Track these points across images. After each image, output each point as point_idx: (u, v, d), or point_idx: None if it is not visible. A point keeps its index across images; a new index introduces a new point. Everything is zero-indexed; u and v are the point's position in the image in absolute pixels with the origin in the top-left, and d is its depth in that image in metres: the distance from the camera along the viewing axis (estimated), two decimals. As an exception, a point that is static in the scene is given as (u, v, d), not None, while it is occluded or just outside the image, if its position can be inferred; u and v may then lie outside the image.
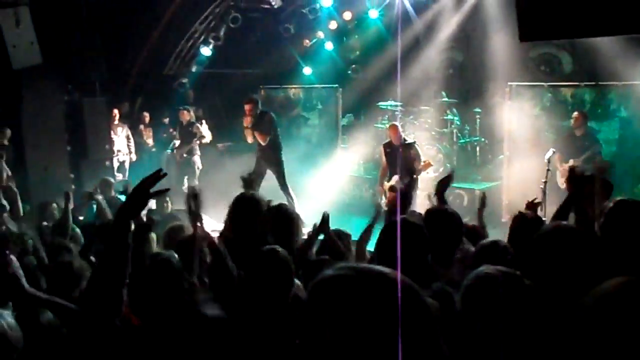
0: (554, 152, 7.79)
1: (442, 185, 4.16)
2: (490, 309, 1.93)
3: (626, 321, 1.42)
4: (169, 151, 11.60)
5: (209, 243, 3.15)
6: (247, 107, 8.86)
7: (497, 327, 1.90)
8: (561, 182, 7.68)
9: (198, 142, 11.09)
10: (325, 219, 3.96)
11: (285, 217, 3.67)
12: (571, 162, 7.57)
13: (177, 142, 11.32)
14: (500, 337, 1.89)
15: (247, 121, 8.88)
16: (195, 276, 3.08)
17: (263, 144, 8.83)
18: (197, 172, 11.01)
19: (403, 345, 1.19)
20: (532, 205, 4.07)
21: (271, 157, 8.84)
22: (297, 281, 2.87)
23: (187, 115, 11.18)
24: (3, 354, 1.75)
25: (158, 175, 2.33)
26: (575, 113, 8.32)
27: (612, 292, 1.50)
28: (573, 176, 3.33)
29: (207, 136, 11.85)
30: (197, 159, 11.10)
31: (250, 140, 9.05)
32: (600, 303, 1.50)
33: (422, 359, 1.24)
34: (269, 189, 8.17)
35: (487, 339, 1.92)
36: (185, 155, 11.02)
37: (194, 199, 3.22)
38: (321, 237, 4.05)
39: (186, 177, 10.73)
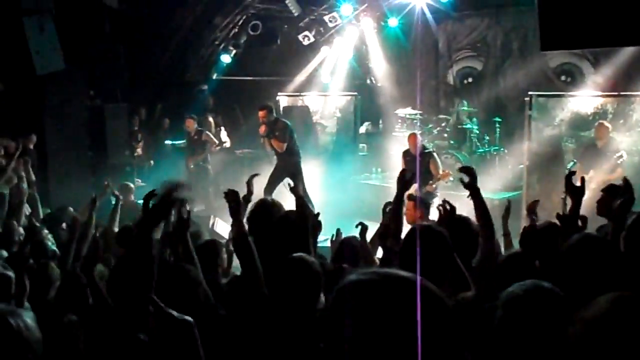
0: (574, 163, 7.73)
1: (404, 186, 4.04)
2: (536, 324, 1.91)
3: (620, 337, 1.41)
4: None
5: (238, 242, 3.12)
6: (261, 113, 8.90)
7: (537, 346, 1.88)
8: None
9: (214, 148, 10.90)
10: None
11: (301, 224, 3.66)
12: (591, 173, 7.47)
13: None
14: (540, 354, 1.88)
15: (262, 130, 8.90)
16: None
17: (280, 151, 8.86)
18: (210, 179, 10.83)
19: (423, 351, 1.19)
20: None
21: (289, 164, 8.86)
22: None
23: (194, 124, 10.85)
24: (16, 355, 1.74)
25: (179, 185, 2.33)
26: (598, 123, 8.22)
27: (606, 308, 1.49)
28: (570, 185, 3.32)
29: (226, 142, 11.90)
30: (208, 166, 10.87)
31: (268, 149, 9.08)
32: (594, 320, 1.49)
33: None
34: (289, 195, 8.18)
35: (525, 354, 1.90)
36: (200, 163, 10.78)
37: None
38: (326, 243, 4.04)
39: (201, 186, 10.52)
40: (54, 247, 4.74)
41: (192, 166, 10.81)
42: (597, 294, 2.22)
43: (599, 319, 1.48)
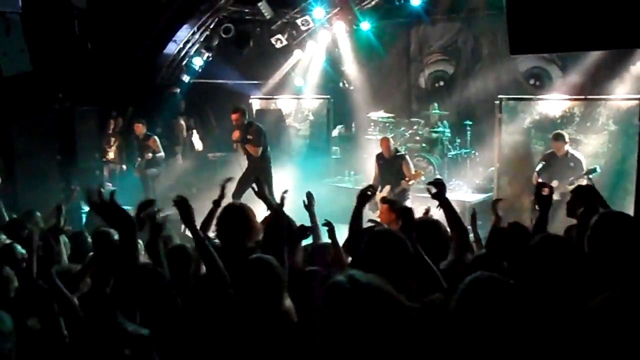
0: (543, 165, 7.83)
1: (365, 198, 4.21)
2: (483, 313, 1.94)
3: (615, 333, 1.43)
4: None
5: (199, 248, 3.15)
6: (234, 116, 8.86)
7: (489, 333, 1.91)
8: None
9: (151, 155, 10.64)
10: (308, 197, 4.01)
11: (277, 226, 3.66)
12: (555, 183, 7.25)
13: (139, 159, 10.90)
14: (491, 343, 1.90)
15: (235, 135, 8.86)
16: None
17: (255, 156, 8.81)
18: (152, 184, 10.69)
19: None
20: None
21: (259, 168, 8.77)
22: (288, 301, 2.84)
23: (142, 128, 10.81)
24: None
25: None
26: (552, 134, 8.15)
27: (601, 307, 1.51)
28: (539, 194, 3.43)
29: (198, 145, 11.83)
30: (154, 171, 10.71)
31: (242, 152, 9.04)
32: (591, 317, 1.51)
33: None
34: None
35: (479, 343, 1.93)
36: (142, 168, 10.70)
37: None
38: (308, 241, 4.07)
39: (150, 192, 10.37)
40: (23, 251, 4.66)
41: (137, 174, 10.74)
42: (559, 291, 2.26)
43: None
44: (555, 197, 6.86)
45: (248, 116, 9.12)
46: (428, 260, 2.99)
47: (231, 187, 4.14)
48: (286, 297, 2.79)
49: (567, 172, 7.77)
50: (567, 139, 7.96)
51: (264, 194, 4.01)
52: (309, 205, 4.57)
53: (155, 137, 10.89)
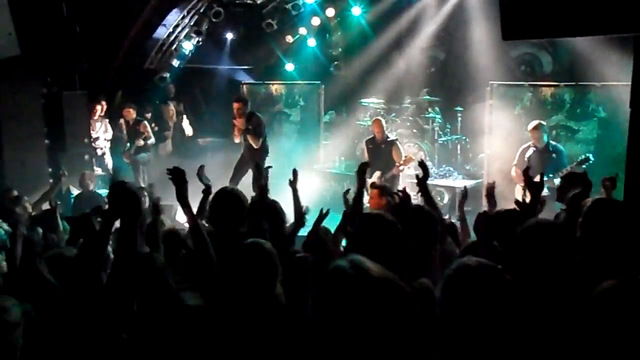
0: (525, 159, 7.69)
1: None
2: (469, 299, 1.95)
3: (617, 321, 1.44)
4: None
5: (192, 228, 3.15)
6: (236, 105, 8.78)
7: (474, 318, 1.92)
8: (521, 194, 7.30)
9: (142, 142, 10.65)
10: (322, 217, 4.04)
11: (274, 212, 3.68)
12: (537, 179, 7.18)
13: (127, 145, 10.88)
14: (477, 328, 1.91)
15: (239, 122, 8.77)
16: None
17: (256, 147, 8.77)
18: (143, 169, 10.67)
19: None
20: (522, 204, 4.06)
21: (257, 156, 8.77)
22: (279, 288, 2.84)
23: (133, 113, 10.84)
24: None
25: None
26: (531, 126, 7.83)
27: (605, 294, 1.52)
28: (530, 181, 3.46)
29: (188, 131, 11.77)
30: (144, 156, 10.68)
31: (237, 140, 8.99)
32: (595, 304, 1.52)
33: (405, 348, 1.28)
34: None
35: (465, 329, 1.93)
36: (132, 154, 10.68)
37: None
38: (303, 232, 4.09)
39: (140, 178, 10.41)
40: (5, 237, 4.64)
41: (126, 159, 10.71)
42: (550, 276, 2.27)
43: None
44: (545, 192, 6.87)
45: (250, 106, 9.04)
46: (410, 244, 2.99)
47: (211, 173, 4.14)
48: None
49: (549, 164, 7.51)
50: (546, 129, 7.78)
51: (261, 183, 4.01)
52: (294, 182, 4.56)
53: (146, 123, 10.87)
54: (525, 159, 7.73)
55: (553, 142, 7.88)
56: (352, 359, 1.28)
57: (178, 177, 3.18)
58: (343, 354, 1.28)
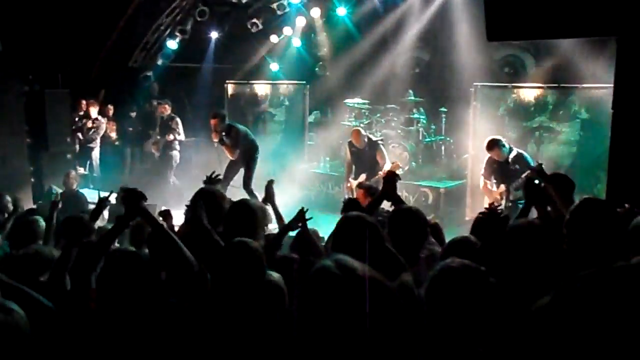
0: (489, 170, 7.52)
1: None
2: (453, 301, 1.95)
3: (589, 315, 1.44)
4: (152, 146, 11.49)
5: (154, 232, 3.15)
6: (212, 122, 8.67)
7: (458, 320, 1.93)
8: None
9: (173, 137, 11.03)
10: (301, 215, 4.01)
11: (249, 213, 3.65)
12: (502, 188, 7.13)
13: (158, 137, 11.29)
14: (460, 330, 1.92)
15: (215, 136, 8.72)
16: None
17: (232, 158, 8.73)
18: (174, 166, 10.97)
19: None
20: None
21: (242, 161, 8.76)
22: (274, 274, 2.82)
23: (168, 109, 11.23)
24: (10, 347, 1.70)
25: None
26: (485, 144, 7.42)
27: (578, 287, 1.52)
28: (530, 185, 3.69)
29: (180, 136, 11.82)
30: (175, 153, 11.04)
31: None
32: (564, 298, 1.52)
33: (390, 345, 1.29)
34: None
35: (448, 330, 1.94)
36: (163, 149, 11.07)
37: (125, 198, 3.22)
38: (293, 233, 4.07)
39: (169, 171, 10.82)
40: None
41: (157, 153, 11.12)
42: (534, 277, 2.28)
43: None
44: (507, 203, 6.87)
45: (228, 118, 8.97)
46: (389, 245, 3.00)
47: (192, 172, 4.16)
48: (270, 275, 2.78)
49: (511, 174, 7.20)
50: (502, 143, 7.27)
51: (251, 189, 4.04)
52: (267, 198, 4.66)
53: (178, 120, 11.21)
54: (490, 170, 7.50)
55: (515, 152, 7.34)
56: (339, 357, 1.28)
57: (130, 199, 3.15)
58: (330, 352, 1.28)
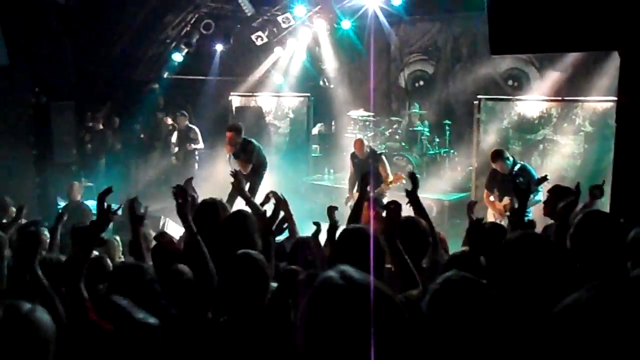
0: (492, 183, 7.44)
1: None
2: (454, 314, 1.95)
3: (594, 329, 1.43)
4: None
5: (189, 243, 3.17)
6: (228, 134, 8.45)
7: (459, 333, 1.92)
8: (494, 218, 7.05)
9: (194, 147, 11.28)
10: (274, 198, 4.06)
11: (245, 223, 3.65)
12: (506, 200, 7.06)
13: (177, 149, 11.56)
14: (462, 344, 1.91)
15: (228, 149, 8.56)
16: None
17: (244, 172, 8.61)
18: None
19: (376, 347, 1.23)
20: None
21: (250, 175, 8.67)
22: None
23: (185, 121, 11.44)
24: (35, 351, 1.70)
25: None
26: (490, 155, 7.43)
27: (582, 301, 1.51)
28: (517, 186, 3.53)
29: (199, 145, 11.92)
30: (194, 163, 11.27)
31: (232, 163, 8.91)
32: (569, 311, 1.51)
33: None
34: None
35: (450, 344, 1.94)
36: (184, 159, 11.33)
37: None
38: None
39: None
40: None
41: (178, 163, 11.40)
42: (537, 289, 2.27)
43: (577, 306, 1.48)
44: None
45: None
46: (407, 258, 2.99)
47: (198, 184, 4.14)
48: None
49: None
50: (506, 155, 7.23)
51: (245, 194, 4.04)
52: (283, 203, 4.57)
53: (196, 129, 11.42)
54: (491, 183, 7.46)
55: (519, 165, 7.29)
56: None
57: (179, 195, 3.23)
58: None
